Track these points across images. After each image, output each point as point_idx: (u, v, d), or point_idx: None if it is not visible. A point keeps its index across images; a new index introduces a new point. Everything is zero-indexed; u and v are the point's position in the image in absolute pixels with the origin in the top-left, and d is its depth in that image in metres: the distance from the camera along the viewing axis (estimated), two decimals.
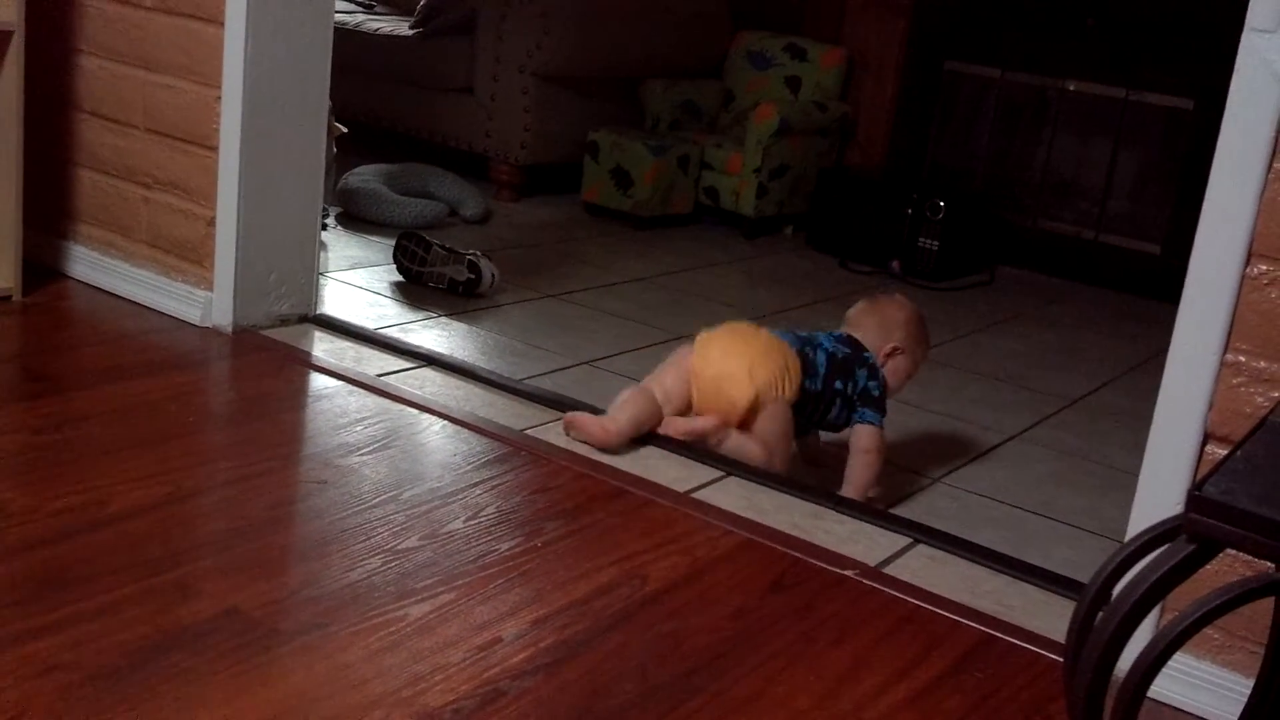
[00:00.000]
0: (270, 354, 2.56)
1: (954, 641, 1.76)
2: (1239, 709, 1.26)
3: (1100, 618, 1.03)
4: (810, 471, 2.43)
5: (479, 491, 2.04)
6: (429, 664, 1.53)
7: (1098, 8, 4.46)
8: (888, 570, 1.95)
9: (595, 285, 3.62)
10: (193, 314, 2.66)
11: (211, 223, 2.62)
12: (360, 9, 5.34)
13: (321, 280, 2.94)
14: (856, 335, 2.39)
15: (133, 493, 1.88)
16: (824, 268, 4.31)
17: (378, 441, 2.19)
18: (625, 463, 2.23)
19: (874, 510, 2.18)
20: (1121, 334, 3.92)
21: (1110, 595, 1.04)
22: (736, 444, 2.25)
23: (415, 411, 2.34)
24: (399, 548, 1.81)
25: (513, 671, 1.54)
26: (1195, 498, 0.97)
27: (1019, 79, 4.67)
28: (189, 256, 2.68)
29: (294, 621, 1.59)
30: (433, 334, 2.95)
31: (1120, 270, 4.49)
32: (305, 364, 2.53)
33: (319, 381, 2.46)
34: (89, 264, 2.84)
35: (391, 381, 2.48)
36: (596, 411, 2.43)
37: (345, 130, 3.82)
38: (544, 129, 4.53)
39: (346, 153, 4.04)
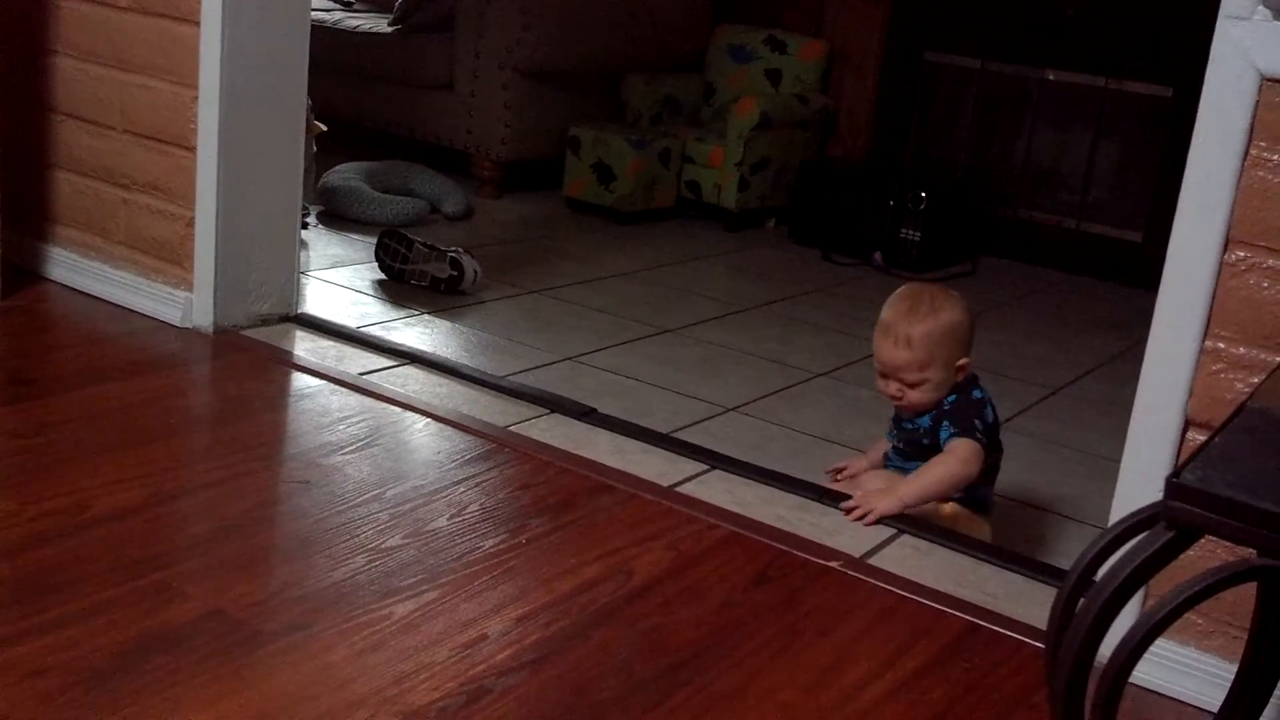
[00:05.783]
0: (251, 354, 2.55)
1: (939, 631, 1.77)
2: (1222, 693, 1.27)
3: (1081, 605, 1.03)
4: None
5: (462, 489, 2.04)
6: (414, 662, 1.53)
7: None
8: (872, 561, 1.95)
9: (578, 281, 3.62)
10: (173, 315, 2.65)
11: (190, 223, 2.61)
12: (339, 6, 5.32)
13: (303, 279, 2.93)
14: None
15: (115, 495, 1.87)
16: (807, 260, 4.31)
17: (360, 440, 2.18)
18: (609, 458, 2.23)
19: None
20: (1104, 322, 3.93)
21: (1092, 582, 1.04)
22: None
23: (398, 410, 2.33)
24: (383, 546, 1.81)
25: (498, 669, 1.54)
26: (1173, 485, 0.98)
27: (999, 69, 4.67)
28: (168, 257, 2.67)
29: (278, 622, 1.59)
30: (415, 332, 2.94)
31: (1102, 258, 4.50)
32: (287, 364, 2.52)
33: (301, 381, 2.45)
34: (68, 266, 2.83)
35: (374, 380, 2.47)
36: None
37: (325, 128, 3.81)
38: (525, 125, 4.52)
39: (327, 151, 4.03)
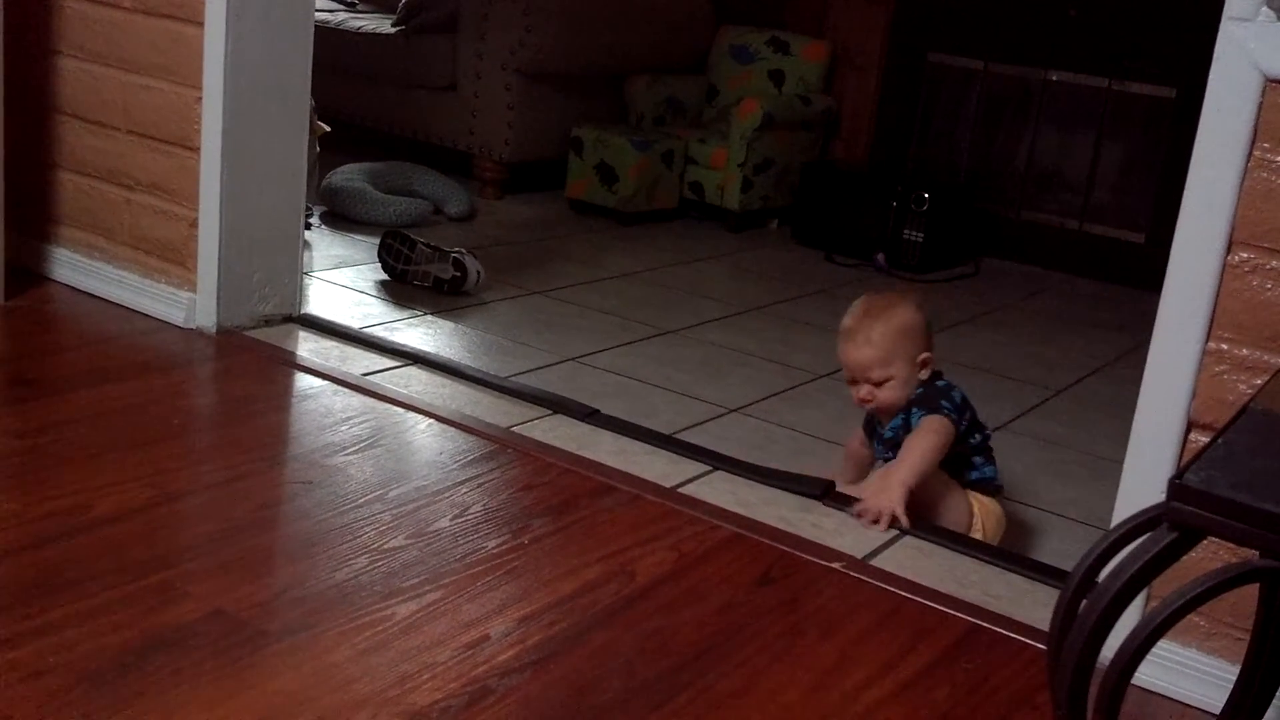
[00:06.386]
0: (255, 355, 2.55)
1: (941, 632, 1.77)
2: (1224, 695, 1.27)
3: (1084, 606, 1.03)
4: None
5: (465, 489, 2.04)
6: (416, 663, 1.53)
7: None
8: (875, 562, 1.95)
9: (580, 282, 3.62)
10: (176, 315, 2.65)
11: (194, 224, 2.62)
12: (342, 7, 5.33)
13: (306, 280, 2.93)
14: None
15: (118, 496, 1.88)
16: (809, 261, 4.32)
17: (363, 441, 2.18)
18: (611, 458, 2.23)
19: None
20: (1107, 323, 3.93)
21: (1095, 584, 1.04)
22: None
23: (401, 410, 2.34)
24: (385, 547, 1.81)
25: (500, 669, 1.54)
26: (1176, 486, 0.98)
27: (1002, 70, 4.67)
28: (172, 258, 2.67)
29: (281, 622, 1.59)
30: (418, 332, 2.94)
31: (1105, 260, 4.50)
32: (290, 364, 2.52)
33: (304, 382, 2.45)
34: (72, 267, 2.83)
35: (377, 380, 2.48)
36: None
37: (328, 129, 3.81)
38: (527, 126, 4.53)
39: (330, 151, 4.03)
